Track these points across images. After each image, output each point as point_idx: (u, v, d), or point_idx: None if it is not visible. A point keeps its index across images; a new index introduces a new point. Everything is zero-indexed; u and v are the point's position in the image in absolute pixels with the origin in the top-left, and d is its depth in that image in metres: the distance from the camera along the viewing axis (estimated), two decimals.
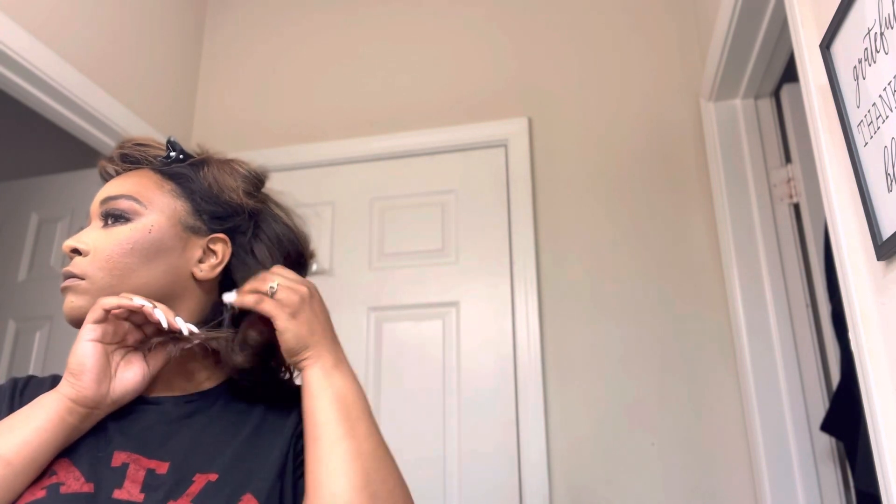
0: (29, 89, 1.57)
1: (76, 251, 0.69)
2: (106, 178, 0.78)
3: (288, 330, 0.66)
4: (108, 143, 1.82)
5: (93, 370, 0.63)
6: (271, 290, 0.68)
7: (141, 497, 0.60)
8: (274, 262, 0.76)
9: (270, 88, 2.20)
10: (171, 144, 0.77)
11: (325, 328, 0.69)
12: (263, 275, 0.70)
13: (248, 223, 0.77)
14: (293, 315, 0.67)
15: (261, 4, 2.30)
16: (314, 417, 0.64)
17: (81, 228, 0.74)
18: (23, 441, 0.59)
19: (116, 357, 0.66)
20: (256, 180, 0.80)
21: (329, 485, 0.59)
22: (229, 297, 0.69)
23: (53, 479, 0.60)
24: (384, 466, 0.63)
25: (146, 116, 1.94)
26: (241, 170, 0.78)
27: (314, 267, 0.83)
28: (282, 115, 2.15)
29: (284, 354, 0.67)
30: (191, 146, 0.81)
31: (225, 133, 2.17)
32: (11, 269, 2.05)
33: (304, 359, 0.67)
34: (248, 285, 0.69)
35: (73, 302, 0.68)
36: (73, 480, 0.60)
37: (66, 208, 2.05)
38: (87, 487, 0.60)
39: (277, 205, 0.81)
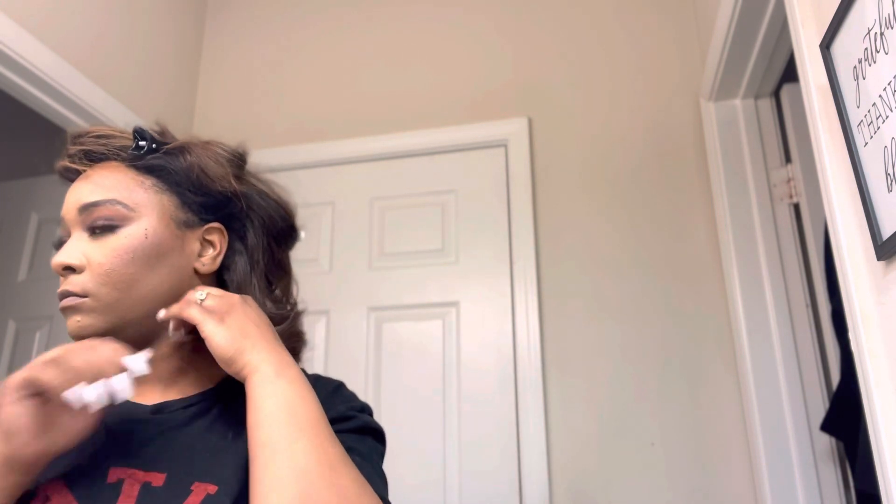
0: (29, 89, 1.57)
1: (70, 268, 0.64)
2: (69, 178, 0.71)
3: (215, 334, 0.61)
4: None
5: (29, 429, 0.54)
6: (199, 300, 0.64)
7: None
8: (266, 244, 0.74)
9: (270, 88, 2.20)
10: (140, 133, 0.70)
11: (261, 333, 0.63)
12: (190, 291, 0.67)
13: (239, 207, 0.74)
14: (221, 320, 0.62)
15: (261, 4, 2.30)
16: (253, 433, 0.57)
17: (60, 240, 0.68)
18: None
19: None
20: (240, 161, 0.76)
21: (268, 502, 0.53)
22: (160, 314, 0.66)
23: None
24: (328, 482, 0.54)
25: (146, 116, 1.94)
26: (224, 153, 0.74)
27: (302, 235, 0.82)
28: (282, 115, 2.15)
29: (220, 365, 0.62)
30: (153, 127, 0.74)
31: (225, 133, 2.16)
32: (11, 269, 2.05)
33: (241, 368, 0.61)
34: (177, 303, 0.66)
35: (79, 322, 0.64)
36: None
37: None
38: None
39: (259, 180, 0.78)
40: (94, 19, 1.77)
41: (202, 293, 0.64)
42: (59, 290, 0.65)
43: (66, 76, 1.63)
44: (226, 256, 0.73)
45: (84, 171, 0.70)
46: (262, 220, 0.75)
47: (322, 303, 1.89)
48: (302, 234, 0.80)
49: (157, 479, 0.60)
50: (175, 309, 0.65)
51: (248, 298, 0.68)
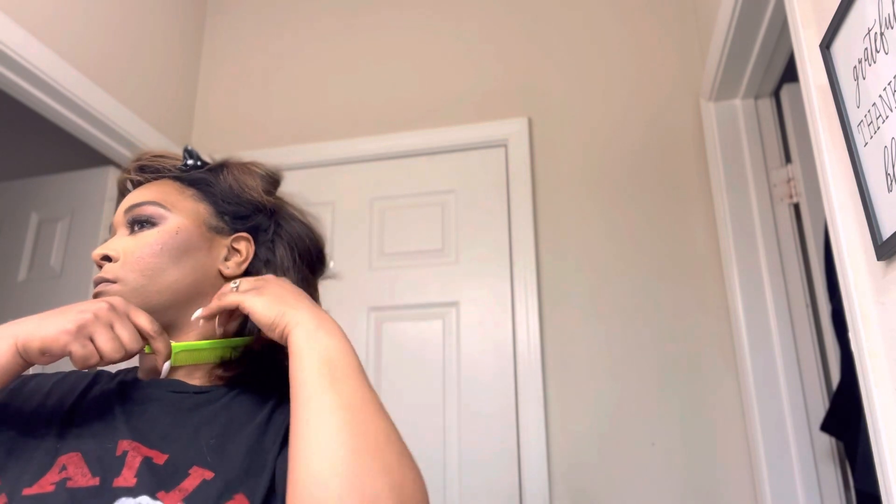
0: (29, 89, 1.57)
1: (106, 258, 0.73)
2: (124, 192, 0.81)
3: (255, 304, 0.66)
4: (108, 144, 1.82)
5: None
6: (234, 287, 0.70)
7: (133, 482, 0.61)
8: (293, 260, 0.80)
9: (270, 88, 2.20)
10: (189, 152, 0.81)
11: (297, 297, 0.68)
12: (223, 287, 0.73)
13: (268, 221, 0.81)
14: (259, 293, 0.67)
15: (260, 5, 2.30)
16: (296, 378, 0.61)
17: (106, 239, 0.77)
18: None
19: None
20: (273, 180, 0.84)
21: (308, 434, 0.57)
22: (196, 314, 0.72)
23: (63, 475, 0.62)
24: (371, 418, 0.59)
25: (146, 116, 1.94)
26: (258, 170, 0.83)
27: (331, 264, 0.86)
28: (281, 115, 2.15)
29: (265, 332, 0.66)
30: (195, 147, 0.84)
31: (225, 133, 2.17)
32: (11, 269, 2.05)
33: (282, 328, 0.65)
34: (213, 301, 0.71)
35: None
36: (80, 476, 0.62)
37: (66, 208, 2.05)
38: (94, 481, 0.61)
39: (293, 206, 0.85)
40: (94, 21, 1.77)
41: (234, 283, 0.71)
42: (94, 277, 0.73)
43: (66, 77, 1.63)
44: (253, 265, 0.79)
45: (138, 181, 0.80)
46: (291, 237, 0.81)
47: (322, 303, 1.88)
48: (331, 264, 0.84)
49: (160, 458, 0.64)
50: (214, 304, 0.70)
51: (282, 277, 0.74)
